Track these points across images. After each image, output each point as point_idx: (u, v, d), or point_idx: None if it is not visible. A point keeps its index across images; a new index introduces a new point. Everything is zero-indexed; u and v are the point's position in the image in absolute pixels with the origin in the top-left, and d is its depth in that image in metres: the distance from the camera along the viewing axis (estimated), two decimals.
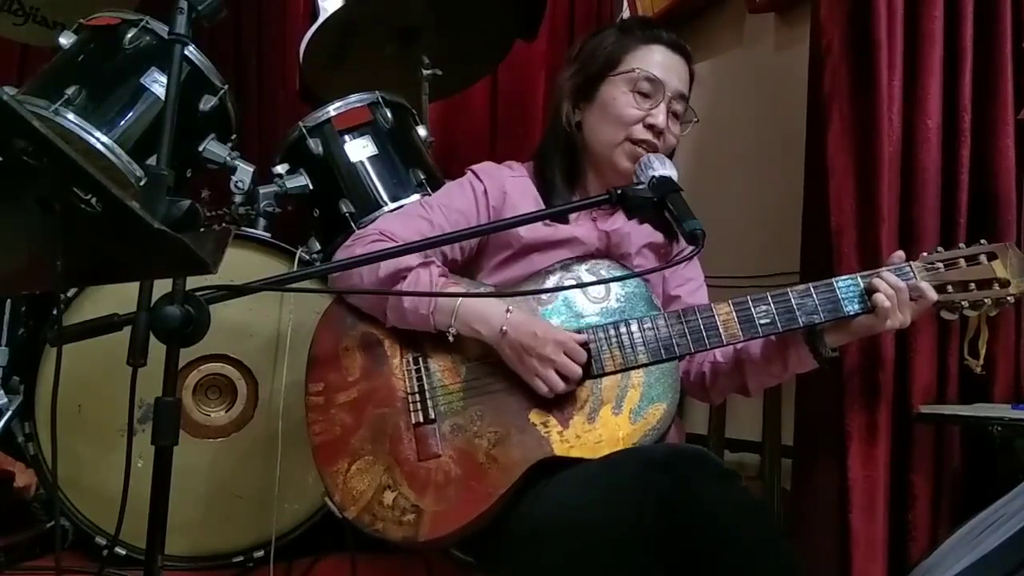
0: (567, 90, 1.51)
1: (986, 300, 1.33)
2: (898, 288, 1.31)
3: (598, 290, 1.38)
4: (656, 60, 1.46)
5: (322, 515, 1.77)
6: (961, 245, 1.39)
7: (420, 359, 1.37)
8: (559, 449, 1.28)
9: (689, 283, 1.55)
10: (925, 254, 1.37)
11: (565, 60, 1.57)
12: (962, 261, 1.35)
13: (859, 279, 1.34)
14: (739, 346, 1.44)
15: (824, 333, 1.37)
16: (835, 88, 1.57)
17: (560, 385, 1.29)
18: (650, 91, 1.44)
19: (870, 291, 1.32)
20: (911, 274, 1.34)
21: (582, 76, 1.50)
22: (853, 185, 1.54)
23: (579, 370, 1.29)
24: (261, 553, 1.76)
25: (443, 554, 1.56)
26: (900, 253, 1.37)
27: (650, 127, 1.43)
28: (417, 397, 1.35)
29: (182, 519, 1.70)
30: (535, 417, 1.31)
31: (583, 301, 1.38)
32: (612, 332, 1.34)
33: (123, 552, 1.68)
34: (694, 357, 1.50)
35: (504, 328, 1.31)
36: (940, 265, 1.35)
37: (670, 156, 1.45)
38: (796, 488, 1.76)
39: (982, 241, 1.37)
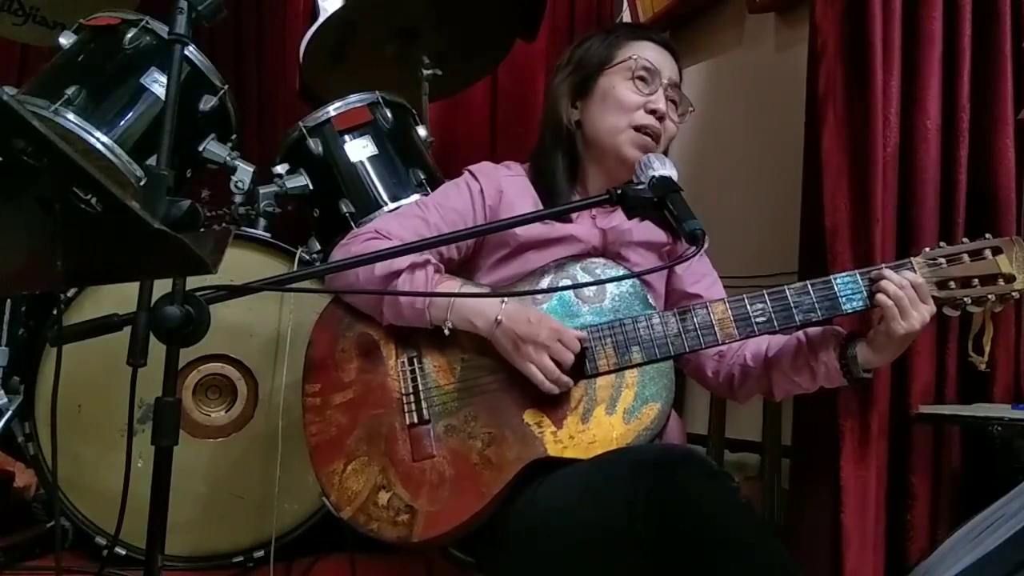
0: (564, 90, 1.52)
1: (990, 296, 1.29)
2: (902, 284, 1.27)
3: (593, 289, 1.38)
4: (648, 54, 1.49)
5: (322, 515, 1.77)
6: (964, 240, 1.35)
7: (415, 360, 1.37)
8: (552, 450, 1.28)
9: (705, 279, 1.56)
10: (927, 249, 1.34)
11: (556, 69, 1.58)
12: (965, 256, 1.30)
13: (858, 276, 1.31)
14: (771, 353, 1.44)
15: (857, 353, 1.34)
16: (829, 88, 1.57)
17: (556, 371, 1.28)
18: (647, 78, 1.47)
19: (873, 293, 1.29)
20: (911, 269, 1.30)
21: (578, 76, 1.52)
22: (847, 185, 1.54)
23: (571, 357, 1.29)
24: (261, 553, 1.76)
25: (443, 554, 1.56)
26: None
27: (652, 111, 1.45)
28: (412, 398, 1.35)
29: (182, 519, 1.71)
30: (529, 418, 1.31)
31: (578, 300, 1.37)
32: (606, 331, 1.33)
33: (123, 552, 1.69)
34: (724, 357, 1.50)
35: (499, 318, 1.31)
36: (942, 260, 1.31)
37: (667, 146, 1.46)
38: (793, 488, 1.76)
39: (987, 236, 1.33)
